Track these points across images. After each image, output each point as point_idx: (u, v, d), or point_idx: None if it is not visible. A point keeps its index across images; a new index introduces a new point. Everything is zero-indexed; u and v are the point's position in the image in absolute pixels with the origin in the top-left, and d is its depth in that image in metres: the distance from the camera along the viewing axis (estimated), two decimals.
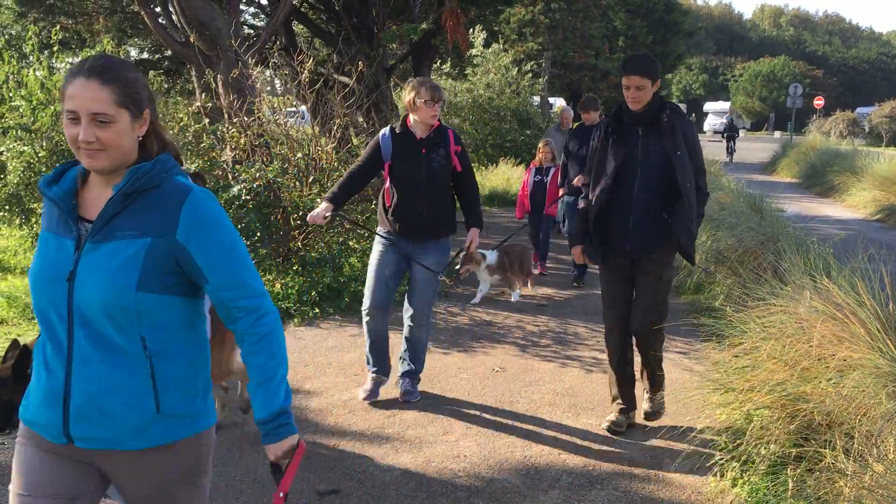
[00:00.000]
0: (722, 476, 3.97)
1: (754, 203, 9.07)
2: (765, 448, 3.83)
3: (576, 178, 7.26)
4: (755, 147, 41.15)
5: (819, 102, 45.87)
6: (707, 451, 4.22)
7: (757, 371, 4.08)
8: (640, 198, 4.31)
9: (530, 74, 20.89)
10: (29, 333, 6.37)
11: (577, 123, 17.22)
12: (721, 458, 4.08)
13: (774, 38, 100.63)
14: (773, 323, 4.44)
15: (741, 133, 66.98)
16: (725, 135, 32.85)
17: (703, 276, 7.95)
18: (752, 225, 7.70)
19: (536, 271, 8.88)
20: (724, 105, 74.55)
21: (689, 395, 4.72)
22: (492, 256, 7.91)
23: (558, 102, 31.67)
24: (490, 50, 19.54)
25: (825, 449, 3.48)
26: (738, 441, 4.06)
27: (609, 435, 4.61)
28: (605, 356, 5.00)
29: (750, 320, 4.67)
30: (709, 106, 74.46)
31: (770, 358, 4.07)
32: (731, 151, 30.66)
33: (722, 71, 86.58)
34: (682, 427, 4.54)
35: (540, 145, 9.17)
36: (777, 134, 58.26)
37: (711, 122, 70.28)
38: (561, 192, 8.68)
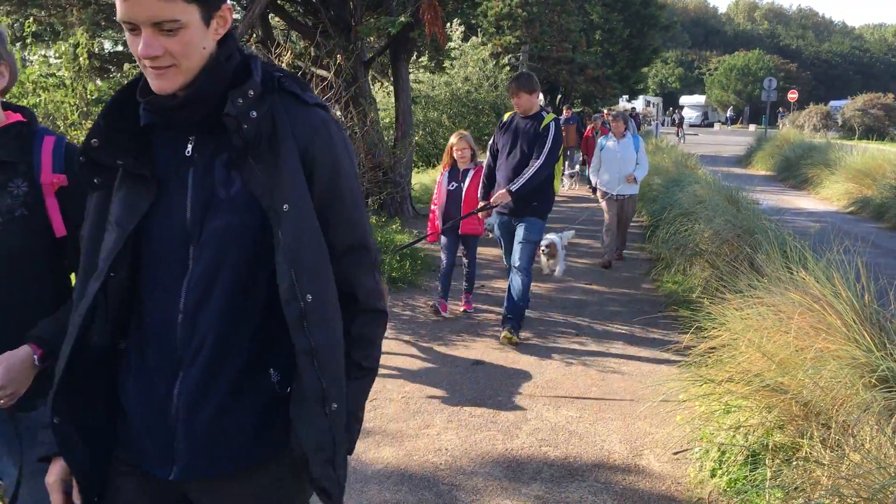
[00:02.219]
0: (701, 467, 4.01)
1: (730, 196, 9.14)
2: (743, 439, 3.88)
3: (497, 195, 6.17)
4: (729, 140, 41.44)
5: (793, 96, 46.37)
6: (686, 442, 4.26)
7: (735, 362, 4.13)
8: None
9: (508, 68, 20.94)
10: None
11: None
12: (700, 449, 4.13)
13: (749, 32, 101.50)
14: (750, 315, 4.48)
15: (716, 126, 67.59)
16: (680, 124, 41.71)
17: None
18: (729, 217, 7.76)
19: (461, 308, 7.27)
20: (699, 99, 75.17)
21: (667, 386, 4.77)
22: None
23: None
24: (468, 43, 19.54)
25: (803, 439, 3.52)
26: (716, 432, 4.10)
27: (589, 427, 4.64)
28: (583, 348, 5.11)
29: (728, 312, 4.72)
30: (684, 99, 75.04)
31: (748, 349, 4.12)
32: (680, 136, 37.64)
33: (697, 65, 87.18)
34: (661, 418, 4.59)
35: (453, 140, 6.97)
36: (752, 127, 58.76)
37: (687, 116, 70.86)
38: (483, 213, 6.79)
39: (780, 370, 3.74)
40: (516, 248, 6.26)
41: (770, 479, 3.53)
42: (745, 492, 3.63)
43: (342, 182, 1.67)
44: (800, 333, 3.94)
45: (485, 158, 6.79)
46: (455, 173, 6.94)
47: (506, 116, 6.54)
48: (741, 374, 3.96)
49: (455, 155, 6.91)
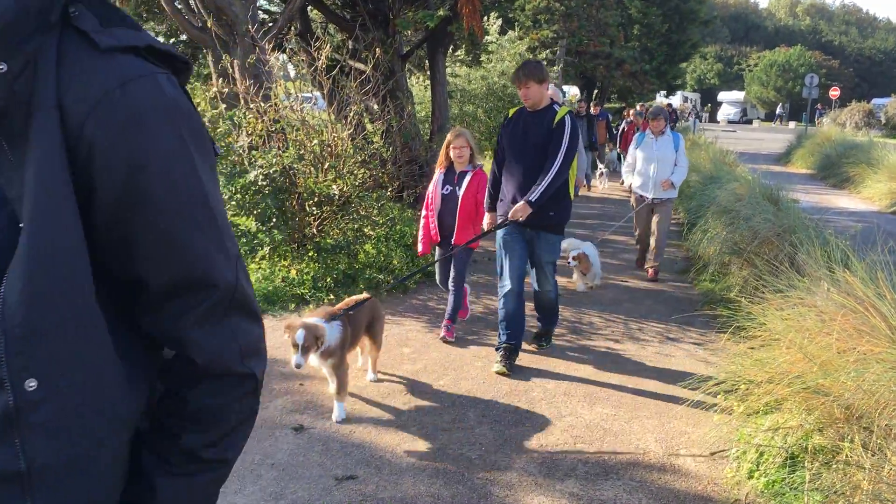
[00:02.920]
0: (738, 468, 3.97)
1: (770, 194, 9.00)
2: (782, 440, 3.83)
3: (516, 209, 5.30)
4: (768, 137, 40.80)
5: (835, 93, 45.53)
6: (723, 442, 4.22)
7: (775, 363, 4.07)
8: None
9: (545, 62, 20.79)
10: None
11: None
12: (737, 450, 4.09)
13: (790, 27, 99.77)
14: (791, 315, 4.42)
15: (755, 123, 66.56)
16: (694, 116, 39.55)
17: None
18: (769, 216, 7.65)
19: (441, 333, 6.22)
20: (738, 95, 74.08)
21: (705, 386, 4.72)
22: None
23: (572, 90, 31.53)
24: (505, 37, 19.45)
25: (843, 442, 3.47)
26: (754, 433, 4.06)
27: (624, 425, 4.61)
28: (618, 346, 5.17)
29: (768, 312, 4.66)
30: (723, 96, 74.02)
31: (789, 350, 4.06)
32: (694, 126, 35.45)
33: (737, 60, 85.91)
34: (697, 418, 4.55)
35: (450, 137, 6.17)
36: (792, 124, 57.81)
37: (725, 112, 69.87)
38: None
39: (822, 372, 3.68)
40: (536, 274, 5.70)
41: (809, 482, 3.49)
42: (783, 494, 3.59)
43: (154, 185, 1.03)
44: (842, 335, 3.88)
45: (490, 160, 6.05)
46: (451, 175, 6.14)
47: (511, 112, 5.63)
48: (781, 376, 3.90)
49: (452, 154, 6.09)
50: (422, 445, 4.28)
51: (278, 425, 4.49)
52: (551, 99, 5.44)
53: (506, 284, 5.57)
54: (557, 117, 5.27)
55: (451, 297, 6.24)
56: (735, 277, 7.41)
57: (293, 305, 6.90)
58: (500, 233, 5.63)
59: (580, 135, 8.85)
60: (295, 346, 4.29)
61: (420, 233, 6.36)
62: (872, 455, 3.28)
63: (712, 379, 4.60)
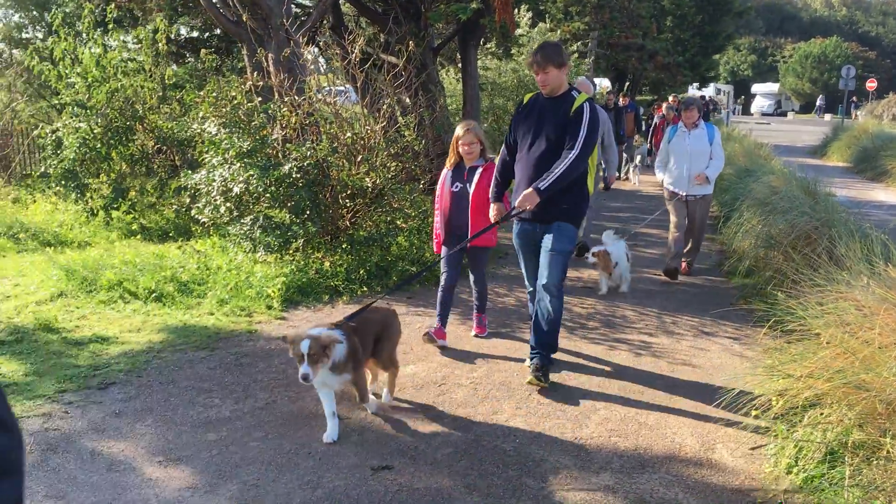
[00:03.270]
0: (776, 463, 3.94)
1: (807, 187, 8.88)
2: (821, 435, 3.79)
3: (522, 197, 4.89)
4: (804, 130, 40.19)
5: (872, 85, 44.75)
6: (761, 437, 4.19)
7: (815, 357, 4.03)
8: None
9: (577, 55, 20.68)
10: (86, 305, 6.54)
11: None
12: (775, 445, 4.05)
13: (826, 18, 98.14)
14: (831, 310, 4.37)
15: (790, 115, 65.58)
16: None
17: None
18: (805, 209, 7.55)
19: (473, 332, 6.20)
20: (772, 87, 73.08)
21: (742, 380, 4.68)
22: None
23: (603, 83, 31.31)
24: (536, 30, 19.37)
25: (885, 438, 3.43)
26: (793, 428, 4.02)
27: (659, 419, 4.59)
28: (652, 339, 5.15)
29: (807, 306, 4.60)
30: (757, 88, 73.07)
31: (829, 345, 4.02)
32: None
33: (771, 52, 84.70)
34: (735, 412, 4.51)
35: (459, 131, 5.78)
36: (827, 117, 56.89)
37: (759, 105, 68.95)
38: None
39: (864, 367, 3.63)
40: (543, 260, 5.04)
41: (849, 478, 3.45)
42: (823, 490, 3.55)
43: None
44: (885, 330, 3.82)
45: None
46: (460, 172, 5.78)
47: (526, 98, 5.23)
48: (821, 370, 3.86)
49: (461, 150, 5.73)
50: (457, 437, 4.30)
51: (315, 415, 4.54)
52: (570, 84, 5.07)
53: (531, 288, 5.45)
54: (576, 104, 4.90)
55: (475, 293, 6.12)
56: (771, 271, 7.32)
57: (327, 297, 6.95)
58: (513, 233, 5.38)
59: (609, 128, 8.73)
60: (300, 357, 3.95)
61: (434, 236, 6.09)
62: None
63: (749, 373, 4.57)
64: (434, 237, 6.04)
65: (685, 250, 8.43)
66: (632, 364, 5.58)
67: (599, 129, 5.04)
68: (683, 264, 8.46)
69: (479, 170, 5.68)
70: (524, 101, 5.20)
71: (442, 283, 5.92)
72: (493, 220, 5.35)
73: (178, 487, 3.51)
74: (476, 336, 6.09)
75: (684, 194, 8.18)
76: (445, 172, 5.87)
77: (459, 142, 5.71)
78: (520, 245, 5.34)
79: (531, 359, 5.13)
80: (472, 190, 5.65)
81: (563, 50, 4.97)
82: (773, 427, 4.16)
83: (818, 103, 66.75)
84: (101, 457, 4.00)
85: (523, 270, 5.52)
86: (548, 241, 5.02)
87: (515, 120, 5.21)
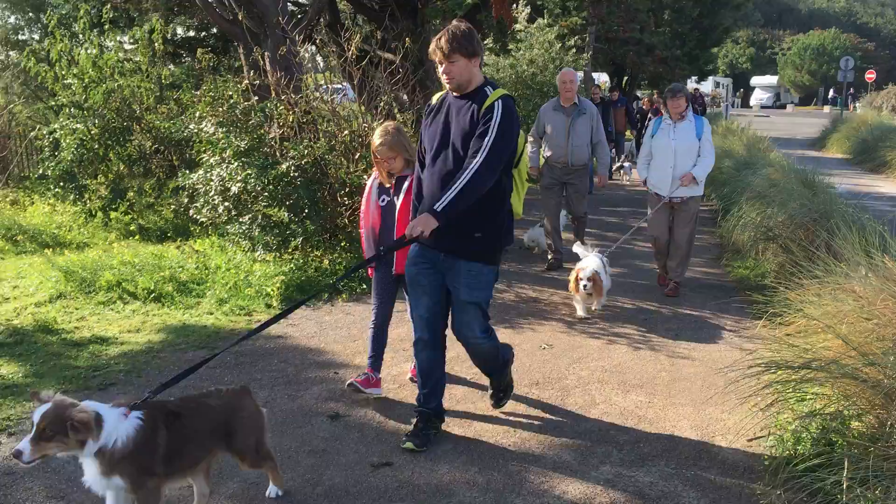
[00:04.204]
0: (775, 454, 3.94)
1: (806, 179, 8.88)
2: (819, 426, 3.79)
3: (414, 222, 3.84)
4: (803, 122, 40.16)
5: (871, 76, 44.68)
6: (759, 429, 4.19)
7: (812, 349, 4.03)
8: None
9: (574, 49, 20.64)
10: (86, 307, 6.55)
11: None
12: (774, 437, 4.05)
13: (825, 10, 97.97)
14: (829, 301, 4.37)
15: (789, 107, 65.49)
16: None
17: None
18: (804, 201, 7.55)
19: (408, 374, 5.16)
20: (771, 79, 73.01)
21: (740, 372, 4.68)
22: None
23: (601, 77, 31.27)
24: (534, 25, 19.33)
25: (883, 428, 3.43)
26: (791, 420, 4.02)
27: (659, 412, 4.60)
28: (652, 333, 5.15)
29: (805, 298, 4.61)
30: (756, 80, 72.99)
31: (826, 336, 4.02)
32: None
33: (770, 44, 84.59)
34: (732, 405, 4.51)
35: (374, 140, 4.65)
36: (826, 108, 56.84)
37: (758, 97, 68.88)
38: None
39: (861, 357, 3.64)
40: (455, 310, 4.12)
41: (847, 468, 3.45)
42: (822, 480, 3.55)
43: None
44: (882, 320, 3.83)
45: None
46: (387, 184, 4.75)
47: (434, 98, 4.23)
48: (819, 361, 3.86)
49: (381, 165, 4.70)
50: (457, 433, 4.30)
51: (315, 413, 4.54)
52: (485, 78, 4.03)
53: (418, 334, 4.22)
54: (487, 102, 3.88)
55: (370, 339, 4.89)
56: (770, 263, 7.33)
57: (326, 295, 6.95)
58: (406, 262, 4.23)
59: (598, 124, 8.18)
60: (31, 425, 2.81)
61: (364, 254, 5.09)
62: None
63: (748, 365, 4.57)
64: (364, 255, 5.04)
65: (669, 266, 7.43)
66: (631, 358, 5.58)
67: (515, 132, 3.93)
68: (671, 286, 7.36)
69: (408, 181, 4.52)
70: (432, 102, 4.20)
71: (372, 318, 4.89)
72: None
73: (178, 486, 3.52)
74: (410, 380, 5.02)
75: (669, 196, 7.17)
76: (372, 182, 4.83)
77: (376, 154, 4.66)
78: (412, 276, 4.16)
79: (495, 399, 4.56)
80: (399, 203, 4.60)
81: (475, 37, 3.95)
82: (772, 418, 4.16)
83: (830, 95, 66.33)
84: None
85: (408, 309, 4.39)
86: (457, 288, 4.03)
87: (423, 126, 4.20)
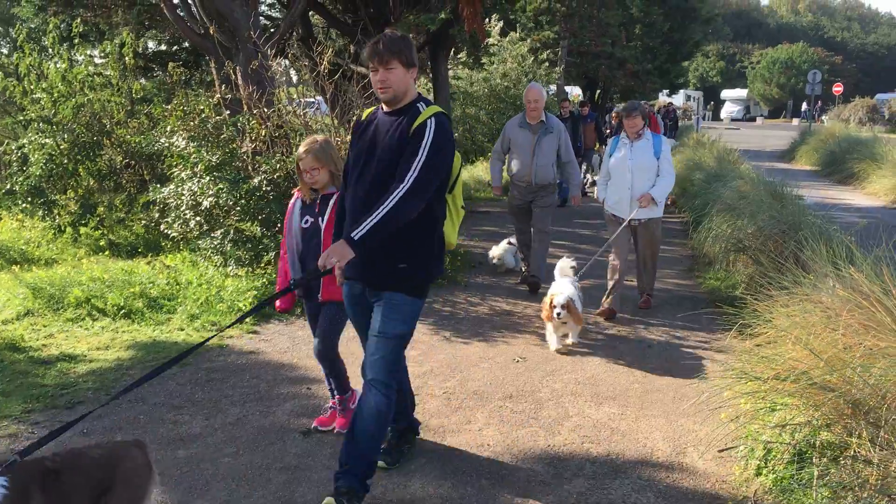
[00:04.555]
0: (746, 465, 3.97)
1: (774, 191, 8.99)
2: (789, 437, 3.83)
3: (328, 250, 3.40)
4: (772, 135, 40.71)
5: (838, 89, 45.43)
6: (731, 440, 4.22)
7: (781, 360, 4.07)
8: None
9: (547, 63, 20.83)
10: (54, 324, 6.46)
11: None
12: (745, 447, 4.08)
13: (792, 24, 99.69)
14: (797, 312, 4.42)
15: (759, 120, 66.37)
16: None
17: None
18: (773, 213, 7.64)
19: (334, 427, 4.50)
20: (741, 92, 74.03)
21: (711, 383, 4.73)
22: None
23: (574, 91, 31.52)
24: (506, 39, 19.48)
25: (851, 437, 3.47)
26: (761, 430, 4.06)
27: (631, 424, 4.62)
28: (625, 346, 5.15)
29: (774, 309, 4.66)
30: (726, 93, 73.98)
31: (795, 346, 4.06)
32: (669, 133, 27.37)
33: (739, 58, 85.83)
34: (704, 416, 4.54)
35: (300, 151, 4.28)
36: (795, 121, 57.69)
37: (728, 110, 69.78)
38: None
39: (829, 368, 3.68)
40: (369, 344, 3.67)
41: (817, 478, 3.48)
42: (792, 490, 3.59)
43: None
44: (848, 331, 3.88)
45: None
46: (312, 202, 4.31)
47: (364, 113, 3.86)
48: (788, 372, 3.90)
49: (304, 177, 4.27)
50: (430, 447, 4.29)
51: (287, 429, 4.50)
52: (419, 95, 3.69)
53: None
54: (419, 120, 3.51)
55: (325, 370, 4.48)
56: (740, 275, 7.41)
57: (299, 310, 6.91)
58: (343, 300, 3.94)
59: (566, 140, 7.77)
60: None
61: (277, 281, 4.73)
62: (880, 450, 3.27)
63: (719, 377, 4.61)
64: (278, 282, 4.61)
65: (638, 281, 7.42)
66: (604, 370, 5.61)
67: (449, 154, 3.56)
68: (644, 297, 7.36)
69: (335, 199, 4.18)
70: (362, 118, 3.82)
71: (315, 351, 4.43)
72: (338, 279, 3.82)
73: None
74: (336, 432, 4.44)
75: (628, 219, 6.88)
76: (294, 201, 4.40)
77: (300, 164, 4.27)
78: (351, 314, 3.93)
79: (335, 480, 3.56)
80: (324, 225, 4.19)
81: (413, 47, 3.62)
82: (743, 429, 4.19)
83: (803, 108, 67.20)
84: None
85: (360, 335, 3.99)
86: (375, 318, 3.61)
87: (350, 144, 3.83)
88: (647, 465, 4.10)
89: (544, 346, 6.13)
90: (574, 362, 5.76)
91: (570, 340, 6.14)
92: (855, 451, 3.40)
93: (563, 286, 6.18)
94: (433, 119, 3.51)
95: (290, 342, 6.16)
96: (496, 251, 8.85)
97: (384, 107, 3.66)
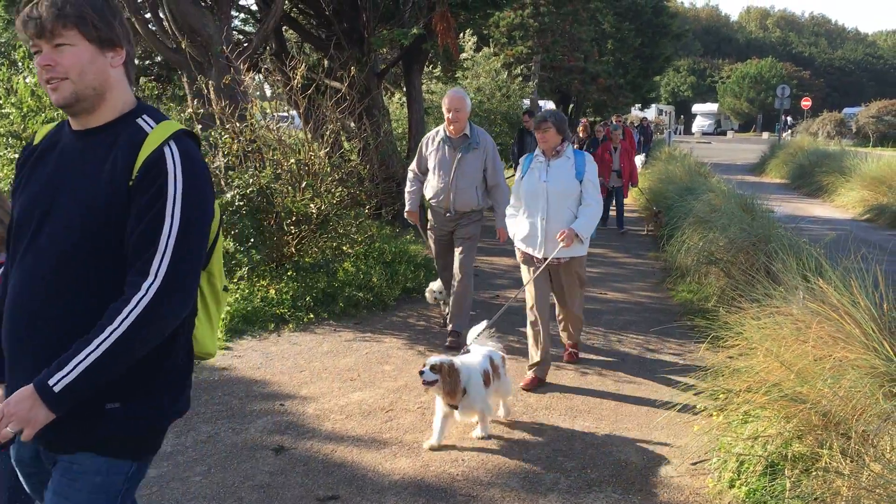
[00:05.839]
0: (719, 477, 3.99)
1: (745, 204, 9.10)
2: (761, 449, 3.85)
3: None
4: (742, 148, 41.24)
5: (806, 103, 46.15)
6: (703, 452, 4.24)
7: (752, 372, 4.11)
8: None
9: (520, 78, 20.94)
10: None
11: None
12: (718, 460, 4.10)
13: (761, 39, 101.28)
14: (768, 324, 4.47)
15: (729, 134, 67.20)
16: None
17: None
18: (744, 226, 7.73)
19: None
20: (711, 107, 74.98)
21: (684, 396, 4.74)
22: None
23: (548, 105, 31.71)
24: (480, 54, 19.57)
25: (822, 449, 3.50)
26: (734, 442, 4.08)
27: (605, 438, 4.62)
28: (599, 359, 5.14)
29: (744, 321, 4.70)
30: (697, 108, 74.89)
31: (766, 359, 4.10)
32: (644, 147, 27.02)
33: (709, 73, 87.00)
34: (677, 429, 4.56)
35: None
36: (765, 135, 58.50)
37: (699, 124, 70.66)
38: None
39: (799, 380, 3.72)
40: None
41: (789, 490, 3.51)
42: (765, 502, 3.61)
43: None
44: (818, 343, 3.92)
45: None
46: None
47: (39, 135, 2.23)
48: (759, 384, 3.94)
49: None
50: (404, 463, 4.26)
51: (259, 446, 4.46)
52: (139, 101, 2.15)
53: None
54: (146, 149, 1.98)
55: None
56: (712, 287, 7.47)
57: (272, 325, 6.86)
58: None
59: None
60: None
61: None
62: (851, 461, 3.31)
63: (692, 390, 4.63)
64: None
65: (561, 328, 6.11)
66: (578, 383, 5.61)
67: (209, 206, 2.13)
68: (568, 350, 6.14)
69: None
70: (34, 142, 2.19)
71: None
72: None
73: None
74: None
75: (542, 257, 5.44)
76: None
77: None
78: (32, 487, 2.28)
79: None
80: None
81: (118, 15, 2.06)
82: (715, 442, 4.22)
83: (786, 122, 67.82)
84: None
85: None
86: (48, 496, 2.03)
87: (13, 186, 2.16)
88: (620, 479, 4.10)
89: (519, 360, 6.12)
90: (549, 375, 5.76)
91: (479, 434, 4.58)
92: (826, 463, 3.43)
93: (476, 356, 4.73)
94: (172, 146, 2.00)
95: (263, 358, 6.11)
96: (435, 287, 7.11)
97: (71, 122, 2.07)
